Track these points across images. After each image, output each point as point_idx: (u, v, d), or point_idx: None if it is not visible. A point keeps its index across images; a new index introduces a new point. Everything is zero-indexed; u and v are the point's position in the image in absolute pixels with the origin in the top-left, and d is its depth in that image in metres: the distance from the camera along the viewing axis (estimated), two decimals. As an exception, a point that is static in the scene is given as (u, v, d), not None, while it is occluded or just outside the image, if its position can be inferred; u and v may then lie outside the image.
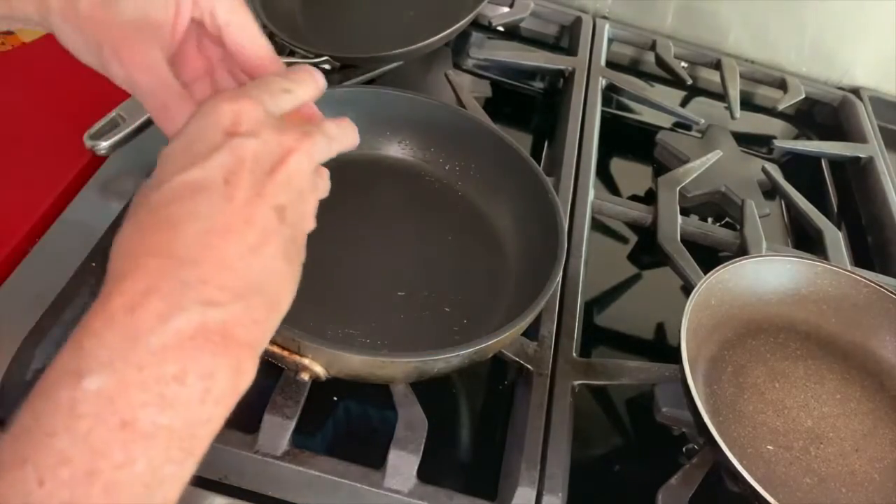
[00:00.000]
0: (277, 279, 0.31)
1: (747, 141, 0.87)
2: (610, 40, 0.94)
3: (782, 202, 0.83)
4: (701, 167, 0.77)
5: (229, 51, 0.40)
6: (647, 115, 0.90)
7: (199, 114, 0.33)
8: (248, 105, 0.33)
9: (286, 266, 0.31)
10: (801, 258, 0.63)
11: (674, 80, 0.93)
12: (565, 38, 0.96)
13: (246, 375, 0.28)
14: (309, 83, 0.37)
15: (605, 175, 0.81)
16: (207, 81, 0.43)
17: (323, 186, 0.37)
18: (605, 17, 0.96)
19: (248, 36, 0.39)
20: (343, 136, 0.37)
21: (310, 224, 0.35)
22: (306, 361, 0.44)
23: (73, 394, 0.25)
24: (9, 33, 0.70)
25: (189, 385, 0.26)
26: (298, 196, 0.33)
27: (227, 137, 0.32)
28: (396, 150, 0.64)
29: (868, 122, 0.92)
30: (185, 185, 0.30)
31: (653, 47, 0.94)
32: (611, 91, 0.88)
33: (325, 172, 0.38)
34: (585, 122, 0.79)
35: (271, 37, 0.69)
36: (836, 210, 0.86)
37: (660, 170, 0.79)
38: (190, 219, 0.29)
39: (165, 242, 0.28)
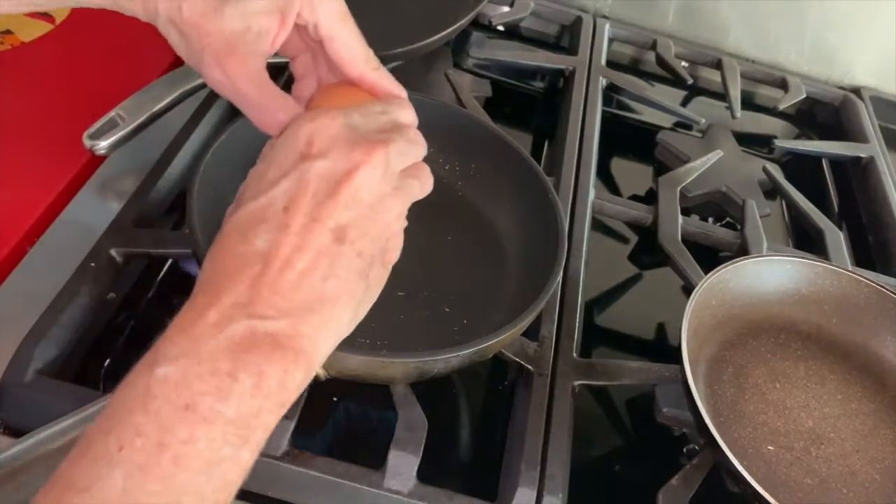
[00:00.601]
0: (326, 297, 0.33)
1: (748, 141, 0.87)
2: (610, 40, 0.94)
3: (783, 202, 0.83)
4: (702, 167, 0.77)
5: (331, 61, 0.41)
6: (647, 115, 0.90)
7: (282, 135, 0.36)
8: (325, 122, 0.35)
9: (341, 284, 0.33)
10: (802, 258, 0.63)
11: (674, 80, 0.93)
12: (565, 38, 0.96)
13: (293, 377, 0.31)
14: (403, 108, 0.39)
15: (605, 175, 0.81)
16: (308, 58, 0.44)
17: (418, 187, 0.38)
18: (605, 17, 0.96)
19: (350, 52, 0.41)
20: (421, 141, 0.39)
21: (394, 229, 0.37)
22: (306, 362, 0.44)
23: (148, 380, 0.29)
24: (8, 33, 0.70)
25: (241, 381, 0.30)
26: (367, 209, 0.34)
27: (298, 161, 0.34)
28: (396, 149, 0.63)
29: (869, 121, 0.92)
30: (251, 213, 0.34)
31: (653, 47, 0.94)
32: (611, 91, 0.88)
33: (424, 169, 0.39)
34: (586, 121, 0.79)
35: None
36: (836, 210, 0.86)
37: (660, 169, 0.79)
38: (250, 247, 0.33)
39: (229, 265, 0.33)
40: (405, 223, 0.38)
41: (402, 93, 0.42)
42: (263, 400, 0.30)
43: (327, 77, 0.44)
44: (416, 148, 0.38)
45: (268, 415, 0.31)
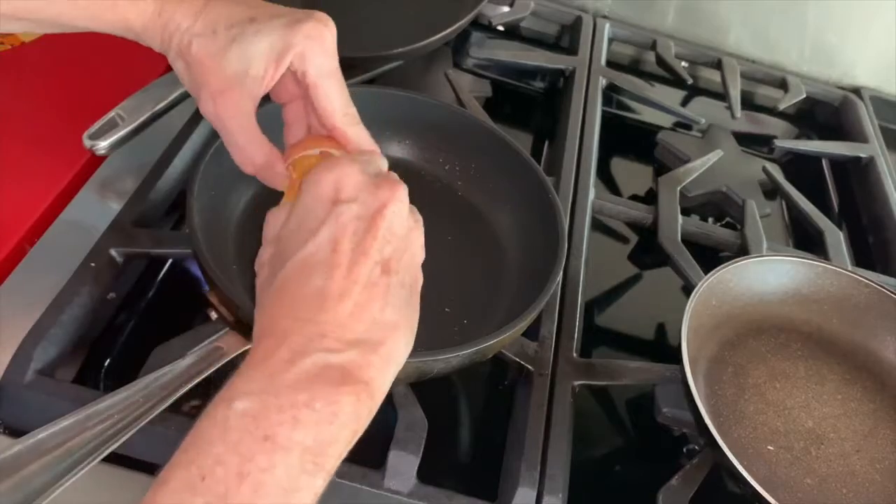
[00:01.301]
0: (385, 328, 0.36)
1: (748, 141, 0.87)
2: (610, 40, 0.94)
3: (783, 202, 0.83)
4: (702, 167, 0.77)
5: (313, 107, 0.45)
6: (647, 115, 0.90)
7: (305, 188, 0.39)
8: (347, 170, 0.39)
9: (395, 313, 0.36)
10: (802, 258, 0.63)
11: (674, 80, 0.93)
12: (565, 38, 0.96)
13: (365, 406, 0.34)
14: (381, 159, 0.43)
15: (605, 175, 0.81)
16: (299, 105, 0.47)
17: (422, 229, 0.41)
18: (605, 17, 0.96)
19: (329, 103, 0.44)
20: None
21: (419, 258, 0.40)
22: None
23: (227, 413, 0.31)
24: (9, 33, 0.70)
25: (318, 410, 0.32)
26: (401, 241, 0.38)
27: (331, 207, 0.37)
28: (396, 150, 0.63)
29: (869, 121, 0.92)
30: (302, 261, 0.36)
31: (653, 47, 0.94)
32: (611, 91, 0.88)
33: (419, 217, 0.42)
34: (586, 121, 0.79)
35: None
36: (836, 210, 0.86)
37: (660, 169, 0.79)
38: (308, 289, 0.35)
39: (292, 309, 0.35)
40: (424, 254, 0.41)
41: (376, 148, 0.46)
42: (339, 428, 0.32)
43: (317, 127, 0.47)
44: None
45: (342, 444, 0.32)
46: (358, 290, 0.35)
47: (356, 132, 0.45)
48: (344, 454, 0.33)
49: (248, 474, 0.29)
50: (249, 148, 0.44)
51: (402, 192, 0.39)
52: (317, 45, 0.43)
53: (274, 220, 0.41)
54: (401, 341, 0.37)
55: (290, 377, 0.32)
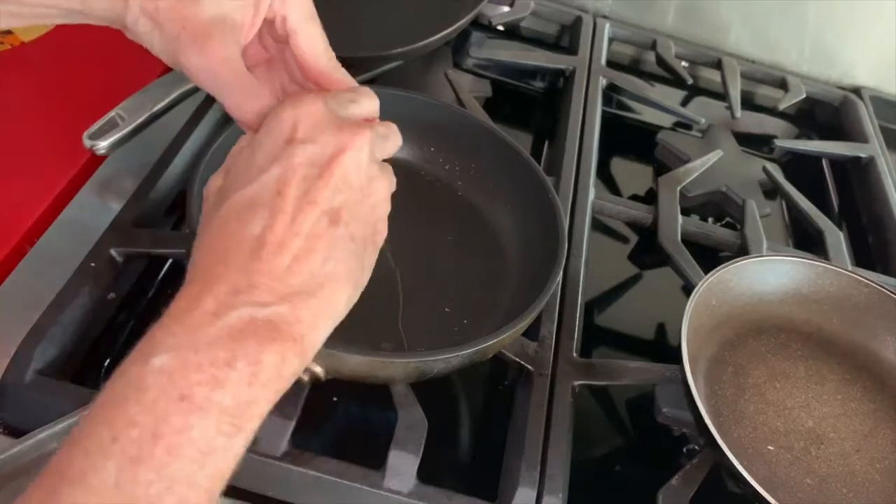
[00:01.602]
0: (324, 280, 0.33)
1: (748, 141, 0.87)
2: (610, 40, 0.94)
3: (783, 202, 0.83)
4: (701, 167, 0.77)
5: (294, 56, 0.42)
6: (647, 115, 0.90)
7: (265, 122, 0.36)
8: (309, 108, 0.36)
9: (339, 265, 0.34)
10: (802, 258, 0.63)
11: (674, 80, 0.93)
12: (565, 38, 0.96)
13: (290, 364, 0.32)
14: (371, 98, 0.40)
15: (605, 175, 0.81)
16: (263, 69, 0.45)
17: (390, 179, 0.39)
18: (605, 17, 0.96)
19: (312, 47, 0.41)
20: (393, 136, 0.40)
21: (382, 210, 0.38)
22: (306, 362, 0.44)
23: (142, 370, 0.29)
24: (8, 33, 0.70)
25: (238, 369, 0.30)
26: (357, 192, 0.35)
27: (285, 146, 0.35)
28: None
29: (869, 121, 0.91)
30: (243, 200, 0.34)
31: (653, 47, 0.94)
32: (611, 91, 0.88)
33: (388, 167, 0.39)
34: (586, 121, 0.79)
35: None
36: (837, 210, 0.86)
37: (660, 169, 0.79)
38: (244, 234, 0.33)
39: (223, 254, 0.33)
40: (389, 207, 0.38)
41: (362, 90, 0.42)
42: (260, 389, 0.30)
43: (289, 83, 0.45)
44: (387, 143, 0.39)
45: (263, 403, 0.31)
46: (299, 242, 0.33)
47: (342, 76, 0.42)
48: (265, 414, 0.31)
49: (163, 436, 0.28)
50: (247, 90, 0.39)
51: (364, 137, 0.36)
52: None
53: (235, 150, 0.38)
54: (338, 294, 0.34)
55: (213, 332, 0.30)
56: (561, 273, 0.53)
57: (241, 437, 0.30)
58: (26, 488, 0.35)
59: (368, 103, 0.39)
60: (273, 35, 0.43)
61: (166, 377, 0.29)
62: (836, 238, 0.73)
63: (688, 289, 0.63)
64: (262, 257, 0.32)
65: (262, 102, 0.39)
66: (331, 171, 0.34)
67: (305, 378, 0.45)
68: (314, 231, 0.33)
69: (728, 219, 0.77)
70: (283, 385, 0.32)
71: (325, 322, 0.34)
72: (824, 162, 0.90)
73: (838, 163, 0.89)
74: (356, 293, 0.36)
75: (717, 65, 0.93)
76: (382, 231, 0.38)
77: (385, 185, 0.38)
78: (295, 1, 0.41)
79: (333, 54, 0.42)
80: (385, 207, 0.38)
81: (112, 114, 0.58)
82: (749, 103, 0.96)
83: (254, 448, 0.46)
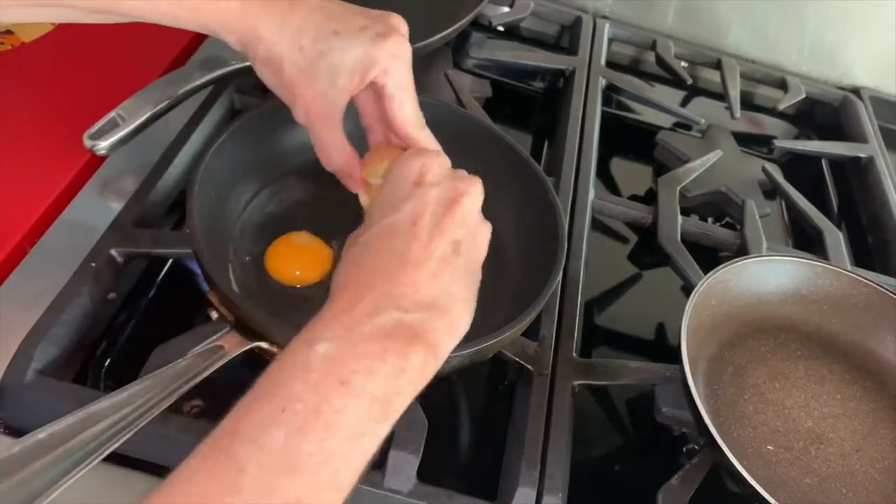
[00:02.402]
0: (452, 300, 0.39)
1: (747, 141, 0.87)
2: (610, 40, 0.94)
3: (782, 202, 0.83)
4: (701, 167, 0.77)
5: (386, 116, 0.49)
6: (647, 115, 0.90)
7: (395, 169, 0.43)
8: (432, 158, 0.43)
9: (460, 290, 0.39)
10: (802, 258, 0.63)
11: (674, 80, 0.93)
12: (565, 38, 0.96)
13: (430, 365, 0.36)
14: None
15: (605, 175, 0.81)
16: (374, 109, 0.51)
17: (489, 228, 0.44)
18: (605, 17, 0.96)
19: (402, 112, 0.48)
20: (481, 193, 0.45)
21: (482, 254, 0.43)
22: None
23: (308, 353, 0.34)
24: (8, 33, 0.70)
25: (389, 363, 0.34)
26: (471, 231, 0.41)
27: (415, 188, 0.41)
28: (396, 149, 0.63)
29: (868, 121, 0.92)
30: (386, 227, 0.40)
31: (653, 47, 0.94)
32: (611, 91, 0.88)
33: (488, 222, 0.44)
34: (585, 122, 0.79)
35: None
36: (836, 210, 0.86)
37: (660, 170, 0.79)
38: (389, 251, 0.39)
39: (373, 266, 0.38)
40: (486, 253, 0.44)
41: (440, 150, 0.49)
42: (406, 384, 0.35)
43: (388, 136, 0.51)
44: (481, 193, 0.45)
45: (406, 398, 0.35)
46: (432, 263, 0.38)
47: (425, 136, 0.49)
48: (403, 409, 0.35)
49: (324, 413, 0.32)
50: (335, 152, 0.49)
51: (478, 186, 0.42)
52: (400, 63, 0.47)
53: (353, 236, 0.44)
54: (465, 315, 0.39)
55: (367, 329, 0.35)
56: (561, 273, 0.53)
57: (385, 425, 0.34)
58: (27, 488, 0.35)
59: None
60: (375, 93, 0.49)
61: (329, 362, 0.33)
62: (836, 238, 0.73)
63: (687, 289, 0.63)
64: (405, 271, 0.38)
65: (342, 160, 0.49)
66: (454, 210, 0.40)
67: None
68: (443, 256, 0.39)
69: (728, 219, 0.77)
70: (422, 384, 0.36)
71: (453, 337, 0.38)
72: (824, 162, 0.90)
73: (838, 163, 0.89)
74: (470, 318, 0.40)
75: (717, 65, 0.94)
76: (480, 273, 0.43)
77: (487, 233, 0.43)
78: (394, 74, 0.47)
79: (421, 114, 0.49)
80: (484, 251, 0.43)
81: (112, 114, 0.58)
82: (749, 103, 0.96)
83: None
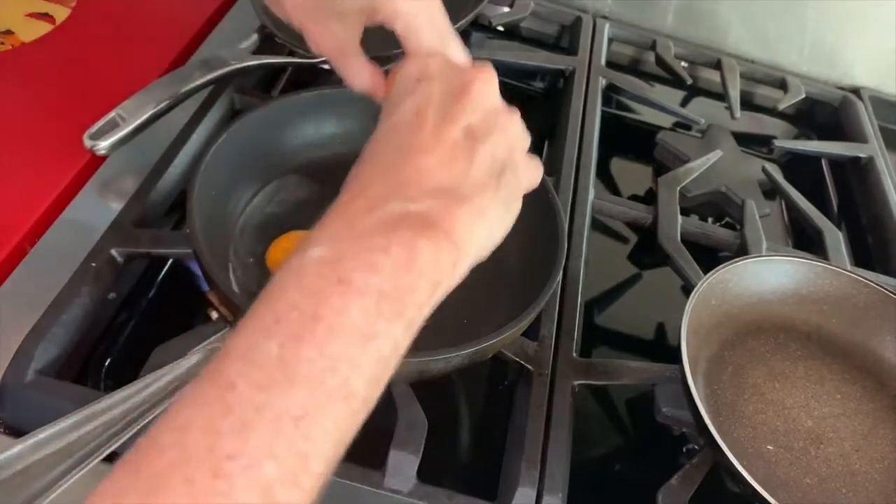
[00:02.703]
0: (475, 187, 0.35)
1: (748, 141, 0.87)
2: (610, 40, 0.94)
3: (782, 202, 0.83)
4: (701, 167, 0.77)
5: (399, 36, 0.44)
6: (647, 115, 0.90)
7: (398, 70, 0.40)
8: (433, 58, 0.39)
9: (486, 178, 0.36)
10: (802, 258, 0.63)
11: (674, 80, 0.93)
12: (565, 38, 0.96)
13: (447, 255, 0.32)
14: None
15: (605, 175, 0.81)
16: None
17: (516, 112, 0.40)
18: (605, 17, 0.96)
19: (420, 48, 0.42)
20: None
21: (520, 142, 0.40)
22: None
23: (301, 261, 0.31)
24: (8, 33, 0.70)
25: (393, 255, 0.31)
26: (487, 115, 0.37)
27: (417, 84, 0.38)
28: (396, 149, 0.63)
29: (868, 121, 0.92)
30: (388, 127, 0.37)
31: (653, 47, 0.94)
32: (611, 91, 0.88)
33: (516, 114, 0.41)
34: (585, 121, 0.79)
35: (271, 37, 0.69)
36: (836, 210, 0.86)
37: (660, 170, 0.79)
38: (393, 146, 0.36)
39: (375, 164, 0.35)
40: (528, 143, 0.41)
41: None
42: (418, 277, 0.31)
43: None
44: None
45: (423, 294, 0.32)
46: (443, 148, 0.35)
47: (452, 50, 0.43)
48: (426, 308, 0.32)
49: (323, 317, 0.29)
50: (356, 79, 0.46)
51: (490, 71, 0.39)
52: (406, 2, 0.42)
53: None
54: (495, 203, 0.36)
55: (368, 224, 0.32)
56: (561, 273, 0.53)
57: (400, 324, 0.31)
58: (27, 488, 0.35)
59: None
60: None
61: (324, 264, 0.30)
62: (836, 238, 0.73)
63: (687, 289, 0.63)
64: (409, 160, 0.34)
65: (368, 81, 0.45)
66: (464, 97, 0.37)
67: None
68: (455, 142, 0.35)
69: (728, 219, 0.77)
70: (441, 277, 0.32)
71: (480, 226, 0.35)
72: (823, 162, 0.90)
73: (837, 163, 0.89)
74: (510, 218, 0.38)
75: (717, 65, 0.93)
76: (525, 167, 0.40)
77: (515, 119, 0.39)
78: (402, 15, 0.42)
79: (448, 32, 0.43)
80: (523, 140, 0.40)
81: (112, 114, 0.58)
82: (749, 103, 0.96)
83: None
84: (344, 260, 0.30)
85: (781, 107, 0.91)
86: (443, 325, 0.54)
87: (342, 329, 0.29)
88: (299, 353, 0.28)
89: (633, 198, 0.76)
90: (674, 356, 0.52)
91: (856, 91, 0.97)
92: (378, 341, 0.30)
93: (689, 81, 0.92)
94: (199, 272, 0.49)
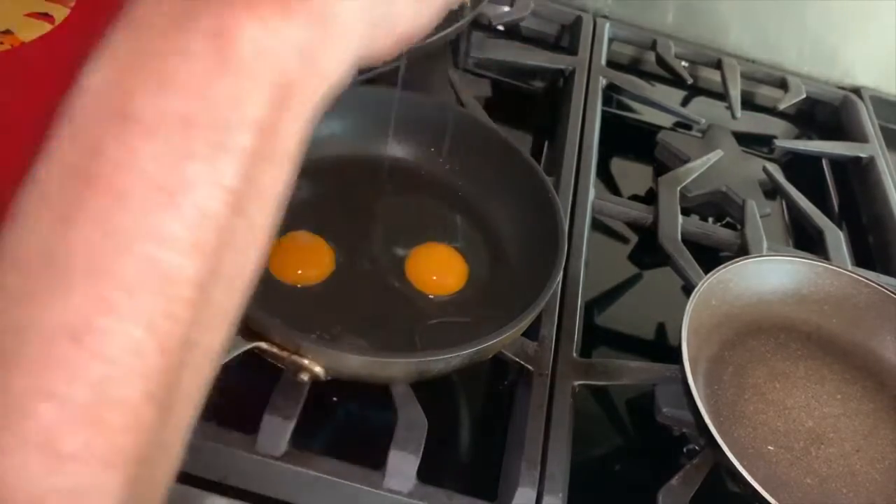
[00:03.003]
0: None
1: (748, 141, 0.87)
2: (610, 40, 0.94)
3: (783, 202, 0.82)
4: (702, 167, 0.77)
5: None
6: (647, 115, 0.89)
7: None
8: None
9: None
10: (802, 258, 0.63)
11: (674, 80, 0.93)
12: (566, 38, 0.95)
13: (289, 34, 0.22)
14: None
15: (605, 175, 0.81)
16: None
17: None
18: (605, 17, 0.96)
19: None
20: None
21: None
22: (306, 362, 0.44)
23: (74, 98, 0.23)
24: (8, 33, 0.70)
25: (195, 54, 0.21)
26: None
27: None
28: (396, 150, 0.63)
29: (869, 121, 0.91)
30: None
31: (653, 47, 0.94)
32: (611, 90, 0.88)
33: None
34: (586, 121, 0.79)
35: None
36: (837, 210, 0.86)
37: (660, 169, 0.79)
38: None
39: None
40: None
41: None
42: (243, 78, 0.21)
43: None
44: None
45: (254, 104, 0.22)
46: None
47: None
48: (280, 125, 0.22)
49: (99, 178, 0.21)
50: None
51: None
52: None
53: None
54: None
55: (160, 22, 0.22)
56: (561, 273, 0.53)
57: (227, 161, 0.21)
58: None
59: None
60: None
61: (99, 96, 0.22)
62: (836, 238, 0.73)
63: (688, 289, 0.63)
64: None
65: None
66: None
67: (305, 378, 0.45)
68: None
69: (728, 219, 0.77)
70: (288, 73, 0.22)
71: None
72: (824, 162, 0.90)
73: (838, 163, 0.89)
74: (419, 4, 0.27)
75: (717, 65, 0.93)
76: None
77: None
78: None
79: None
80: None
81: (112, 114, 0.58)
82: (749, 103, 0.96)
83: (253, 448, 0.46)
84: (124, 81, 0.21)
85: (782, 106, 0.91)
86: (443, 325, 0.54)
87: (128, 190, 0.20)
88: (67, 239, 0.20)
89: (634, 198, 0.76)
90: (674, 356, 0.52)
91: (856, 91, 0.97)
92: (195, 193, 0.21)
93: (690, 81, 0.92)
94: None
